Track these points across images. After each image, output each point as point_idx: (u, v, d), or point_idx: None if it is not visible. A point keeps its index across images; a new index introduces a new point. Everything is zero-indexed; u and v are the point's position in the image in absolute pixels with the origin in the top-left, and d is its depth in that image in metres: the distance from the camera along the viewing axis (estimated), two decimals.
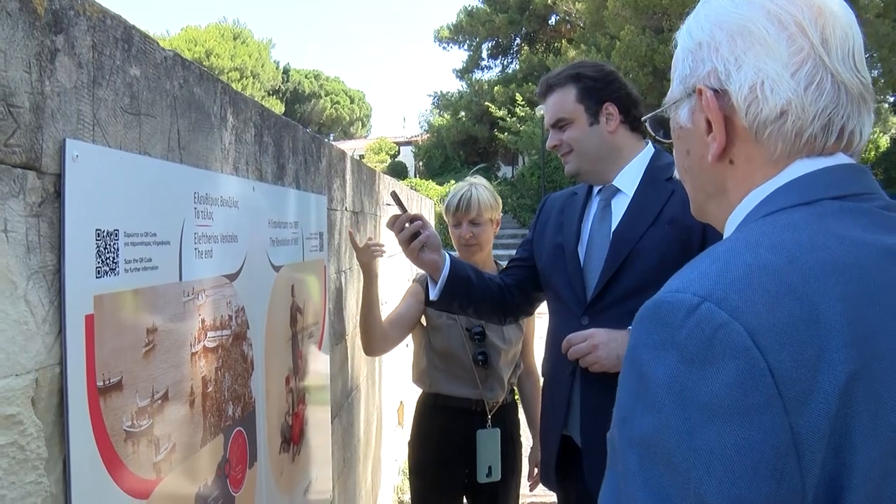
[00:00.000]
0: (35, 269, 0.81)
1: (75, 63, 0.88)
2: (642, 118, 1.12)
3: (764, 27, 0.82)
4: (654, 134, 1.10)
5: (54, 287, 0.84)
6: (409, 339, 2.81)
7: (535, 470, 2.88)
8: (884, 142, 21.63)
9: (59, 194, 0.85)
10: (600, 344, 1.84)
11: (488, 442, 2.64)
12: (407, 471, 2.92)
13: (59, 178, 0.85)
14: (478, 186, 2.71)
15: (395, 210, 2.15)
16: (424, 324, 2.74)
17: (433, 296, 2.10)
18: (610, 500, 0.75)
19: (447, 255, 2.11)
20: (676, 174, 1.00)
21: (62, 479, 0.86)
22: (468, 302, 2.16)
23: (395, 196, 2.15)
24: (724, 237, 0.89)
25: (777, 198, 0.82)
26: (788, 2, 0.82)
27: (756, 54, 0.82)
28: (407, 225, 2.04)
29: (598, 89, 2.01)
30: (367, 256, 2.47)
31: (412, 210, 2.38)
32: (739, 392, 0.65)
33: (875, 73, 18.75)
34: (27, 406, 0.79)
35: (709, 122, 0.86)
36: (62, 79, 0.85)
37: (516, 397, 2.98)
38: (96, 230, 0.92)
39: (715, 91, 0.85)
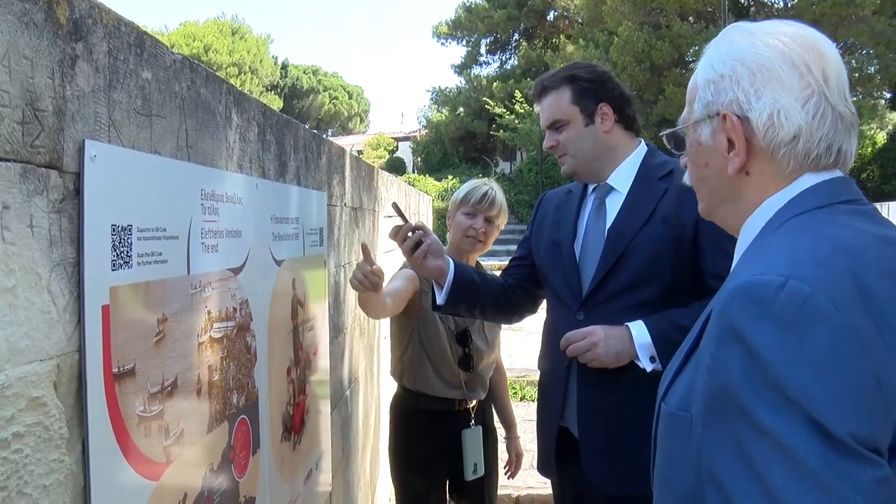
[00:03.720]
0: (57, 261, 0.87)
1: (93, 68, 0.93)
2: (660, 134, 1.26)
3: (780, 66, 0.99)
4: (669, 147, 1.24)
5: (74, 279, 0.90)
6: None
7: (515, 459, 3.03)
8: (881, 138, 21.67)
9: (78, 192, 0.90)
10: (599, 341, 1.89)
11: (473, 440, 2.67)
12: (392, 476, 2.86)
13: (79, 176, 0.90)
14: (498, 189, 2.72)
15: (397, 220, 2.15)
16: (414, 318, 2.66)
17: (440, 300, 2.12)
18: (730, 464, 0.85)
19: (450, 259, 2.14)
20: (687, 181, 1.17)
21: (81, 458, 0.92)
22: (474, 303, 2.20)
23: (395, 207, 2.17)
24: (742, 236, 1.07)
25: (797, 203, 0.99)
26: (798, 45, 1.00)
27: (773, 88, 0.99)
28: (409, 234, 2.06)
29: (592, 90, 2.05)
30: (355, 283, 2.21)
31: (411, 211, 2.42)
32: (835, 346, 0.81)
33: (871, 69, 18.78)
34: (50, 389, 0.85)
35: (730, 141, 1.03)
36: (81, 83, 0.91)
37: None
38: (112, 225, 0.98)
39: (737, 116, 1.01)
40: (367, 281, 2.14)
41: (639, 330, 1.89)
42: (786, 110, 0.98)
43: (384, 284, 2.42)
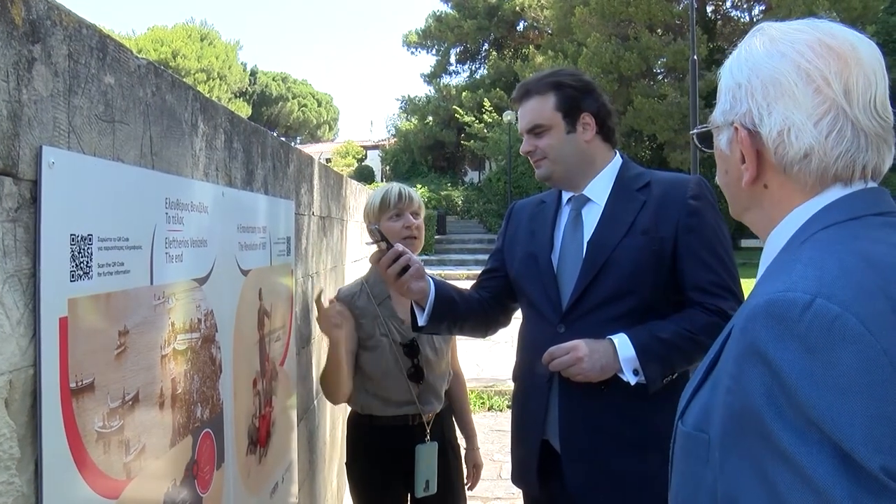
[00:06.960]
0: (11, 272, 0.83)
1: (52, 72, 0.90)
2: (690, 132, 1.19)
3: (793, 81, 0.94)
4: (699, 146, 1.18)
5: (29, 290, 0.86)
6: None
7: (473, 472, 2.95)
8: None
9: (35, 200, 0.87)
10: (584, 356, 1.86)
11: (427, 457, 2.60)
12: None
13: (36, 184, 0.87)
14: (406, 186, 2.68)
15: (376, 246, 2.07)
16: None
17: (422, 321, 2.08)
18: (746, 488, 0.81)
19: (431, 280, 2.09)
20: (718, 180, 1.13)
21: (34, 479, 0.88)
22: (454, 321, 2.16)
23: (379, 232, 2.11)
24: (767, 248, 1.03)
25: (827, 214, 0.94)
26: (817, 56, 0.94)
27: (784, 104, 0.94)
28: (394, 260, 2.00)
29: (577, 98, 2.03)
30: (327, 325, 2.41)
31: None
32: (865, 371, 0.75)
33: None
34: (0, 407, 0.81)
35: (742, 154, 1.00)
36: (39, 87, 0.87)
37: None
38: (71, 235, 0.94)
39: (748, 130, 0.98)
40: (341, 318, 2.13)
41: (622, 343, 1.87)
42: (796, 128, 0.93)
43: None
